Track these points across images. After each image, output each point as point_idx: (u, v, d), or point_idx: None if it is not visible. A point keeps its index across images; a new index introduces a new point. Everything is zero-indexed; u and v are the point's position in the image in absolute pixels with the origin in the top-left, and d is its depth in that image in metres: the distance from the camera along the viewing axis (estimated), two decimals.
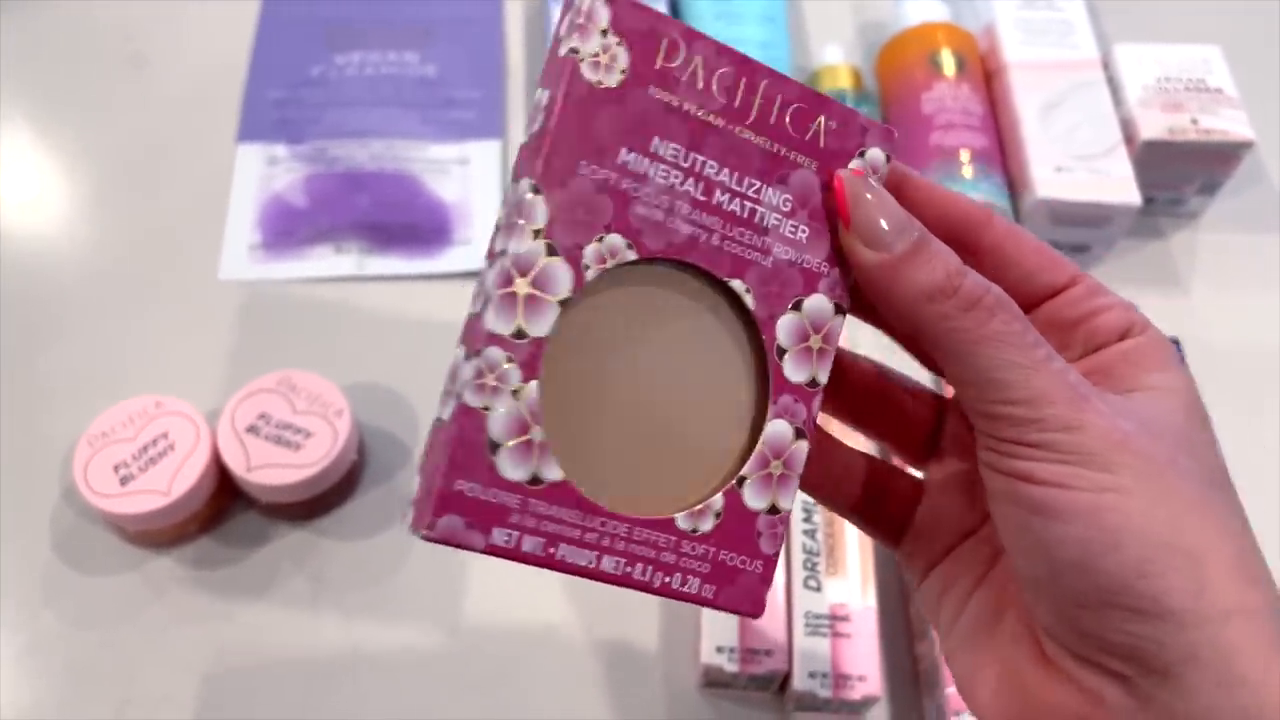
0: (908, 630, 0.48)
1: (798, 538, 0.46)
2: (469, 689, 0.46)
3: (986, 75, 0.61)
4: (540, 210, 0.23)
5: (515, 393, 0.24)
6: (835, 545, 0.46)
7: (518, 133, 0.62)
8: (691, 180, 0.25)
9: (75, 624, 0.47)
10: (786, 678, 0.44)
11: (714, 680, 0.45)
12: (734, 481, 0.26)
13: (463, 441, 0.23)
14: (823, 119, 0.26)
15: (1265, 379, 0.56)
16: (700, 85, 0.25)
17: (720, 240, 0.25)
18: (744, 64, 0.25)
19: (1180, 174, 0.59)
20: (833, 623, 0.44)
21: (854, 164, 0.26)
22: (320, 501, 0.48)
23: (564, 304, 0.24)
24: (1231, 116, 0.58)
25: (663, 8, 0.62)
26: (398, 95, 0.63)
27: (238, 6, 0.66)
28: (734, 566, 0.26)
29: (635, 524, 0.25)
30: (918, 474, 0.31)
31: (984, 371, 0.24)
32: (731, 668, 0.44)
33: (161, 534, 0.47)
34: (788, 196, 0.26)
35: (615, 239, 0.24)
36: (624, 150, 0.24)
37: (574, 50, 0.24)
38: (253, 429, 0.47)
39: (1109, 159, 0.56)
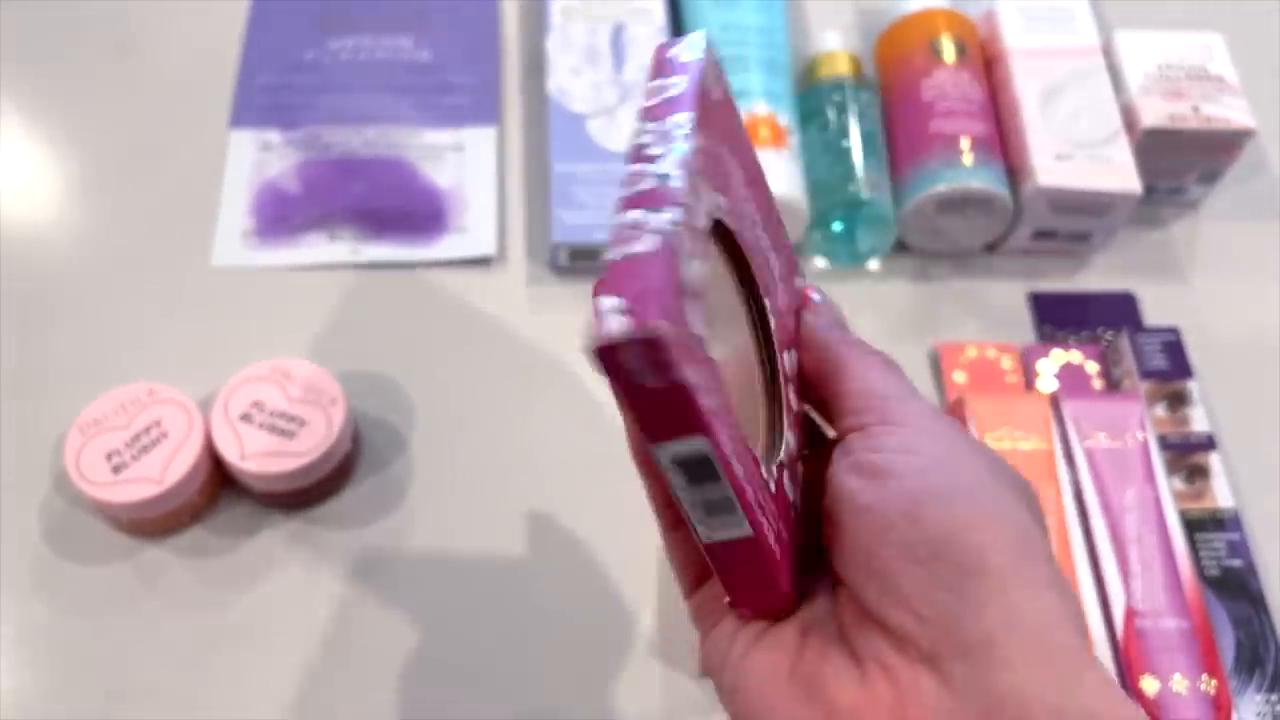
0: None
1: None
2: (464, 679, 0.46)
3: (987, 62, 0.60)
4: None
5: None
6: None
7: (513, 118, 0.62)
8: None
9: (66, 613, 0.46)
10: None
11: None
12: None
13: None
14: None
15: (1266, 368, 0.56)
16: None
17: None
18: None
19: (1181, 162, 0.58)
20: None
21: None
22: (314, 491, 0.48)
23: None
24: (1233, 104, 0.57)
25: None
26: (392, 80, 0.62)
27: None
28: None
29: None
30: None
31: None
32: None
33: (154, 523, 0.47)
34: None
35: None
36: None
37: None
38: (246, 417, 0.47)
39: (1110, 146, 0.56)
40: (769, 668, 0.27)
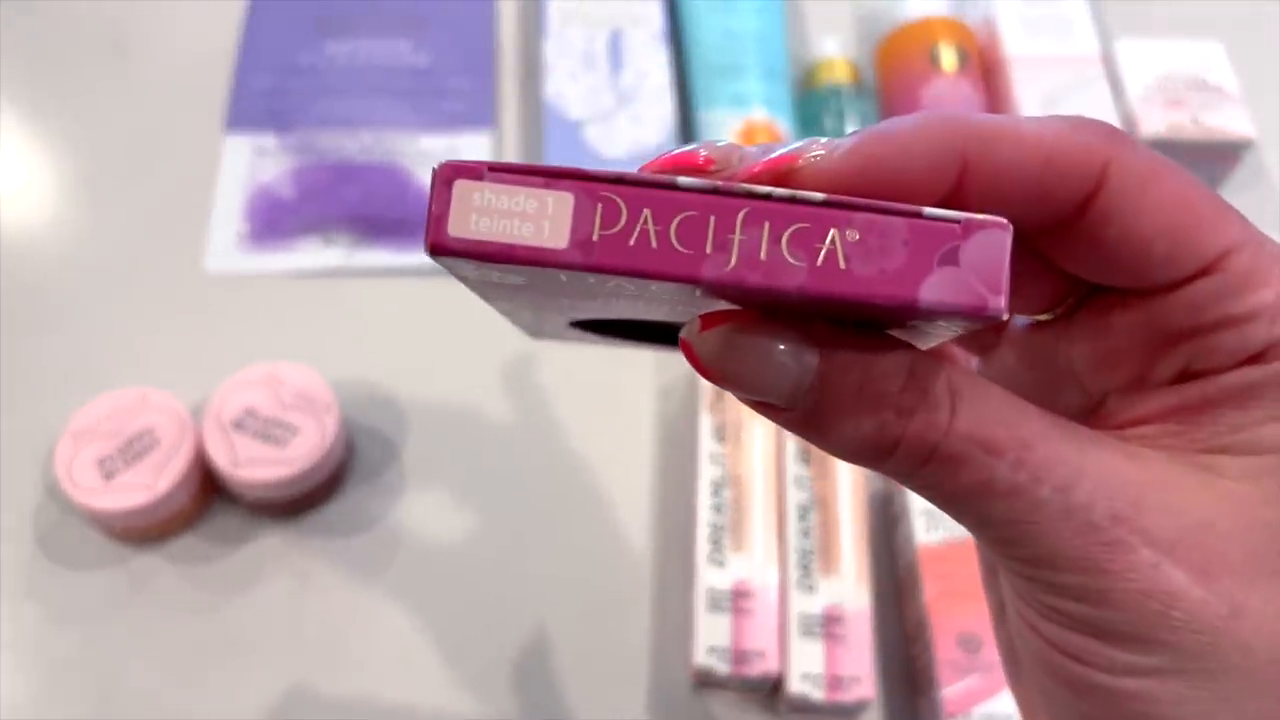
0: (902, 631, 0.47)
1: (791, 538, 0.46)
2: (456, 690, 0.46)
3: (986, 70, 0.60)
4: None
5: None
6: (830, 545, 0.45)
7: (509, 123, 0.61)
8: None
9: (58, 620, 0.46)
10: (779, 680, 0.44)
11: (706, 682, 0.45)
12: None
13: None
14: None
15: None
16: (623, 285, 0.18)
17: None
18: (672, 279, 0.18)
19: None
20: (826, 624, 0.44)
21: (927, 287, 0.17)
22: (306, 499, 0.48)
23: None
24: (1232, 114, 0.57)
25: (659, 5, 0.61)
26: (388, 85, 0.62)
27: None
28: None
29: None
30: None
31: (977, 527, 0.19)
32: (723, 669, 0.43)
33: (146, 530, 0.47)
34: None
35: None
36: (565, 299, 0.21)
37: (457, 275, 0.19)
38: (239, 424, 0.47)
39: None
40: None
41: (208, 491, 0.48)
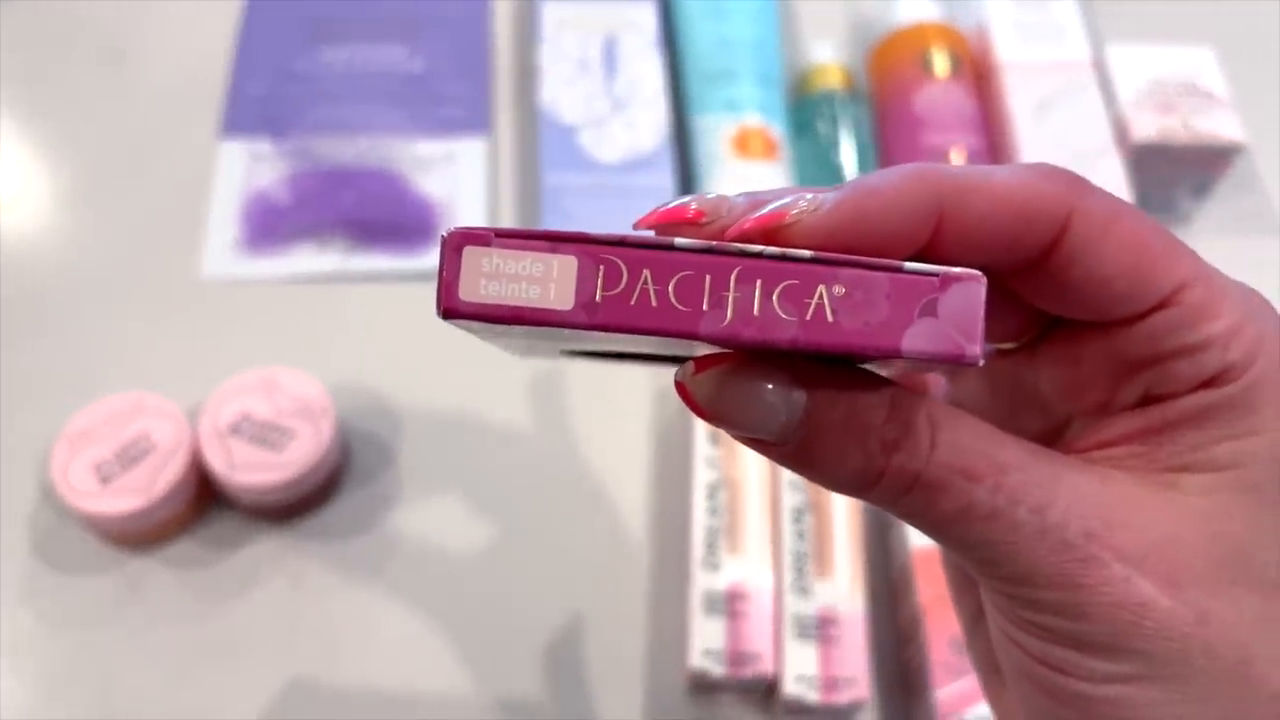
0: (897, 633, 0.47)
1: (786, 540, 0.46)
2: (451, 693, 0.46)
3: (979, 75, 0.61)
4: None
5: None
6: (824, 547, 0.46)
7: (505, 129, 0.62)
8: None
9: (54, 625, 0.46)
10: (774, 682, 0.44)
11: (701, 684, 0.45)
12: None
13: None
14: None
15: None
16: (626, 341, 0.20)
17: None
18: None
19: (1172, 176, 0.58)
20: (821, 626, 0.44)
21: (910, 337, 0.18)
22: (302, 503, 0.48)
23: None
24: (1223, 119, 0.57)
25: (653, 11, 0.62)
26: (384, 91, 0.62)
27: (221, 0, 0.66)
28: None
29: None
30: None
31: (957, 548, 0.20)
32: (719, 672, 0.43)
33: (141, 534, 0.47)
34: None
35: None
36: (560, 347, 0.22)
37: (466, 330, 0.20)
38: (235, 429, 0.47)
39: (1101, 160, 0.56)
40: None
41: (204, 496, 0.48)
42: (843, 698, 0.42)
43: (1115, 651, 0.19)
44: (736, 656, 0.43)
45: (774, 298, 0.18)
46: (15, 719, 0.44)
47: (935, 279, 0.18)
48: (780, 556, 0.45)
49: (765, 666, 0.43)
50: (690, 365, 0.20)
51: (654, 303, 0.18)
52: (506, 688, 0.46)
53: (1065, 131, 0.57)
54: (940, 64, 0.59)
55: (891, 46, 0.61)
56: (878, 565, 0.48)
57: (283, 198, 0.58)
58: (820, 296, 0.18)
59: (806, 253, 0.18)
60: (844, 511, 0.47)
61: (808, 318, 0.18)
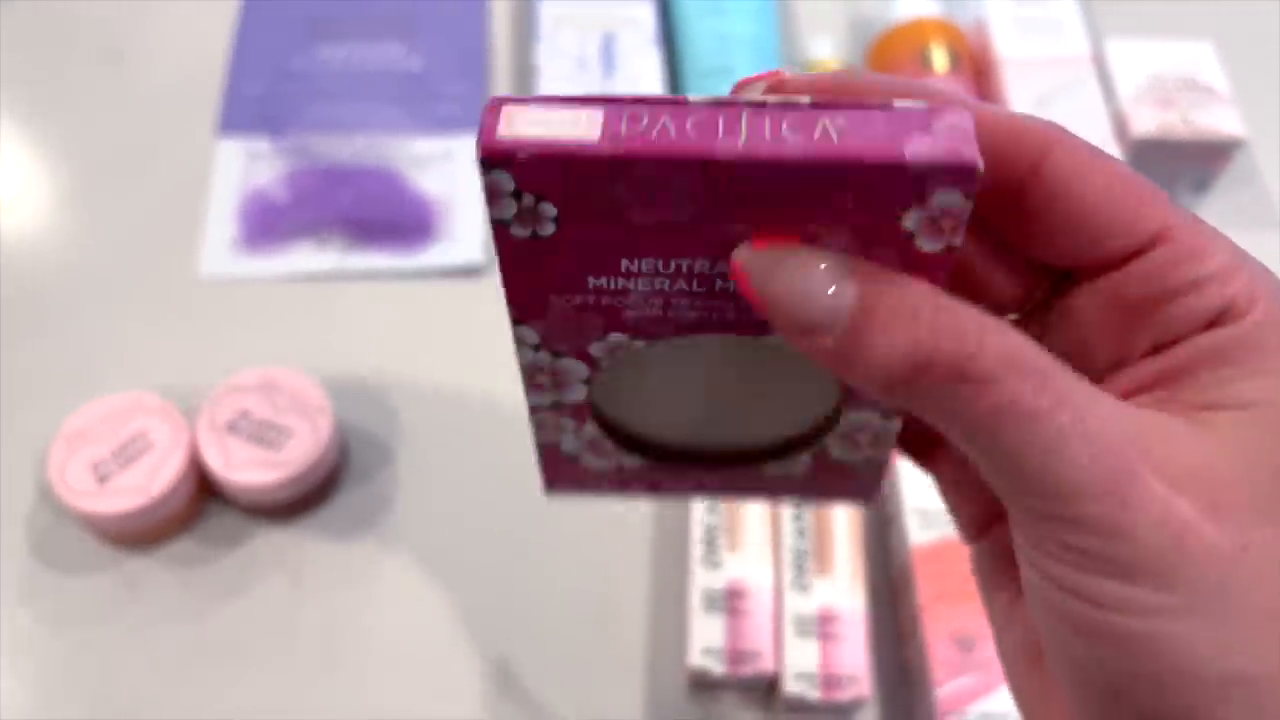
0: (897, 631, 0.47)
1: (785, 538, 0.46)
2: (451, 691, 0.46)
3: (978, 71, 0.60)
4: (529, 333, 0.24)
5: (576, 432, 0.27)
6: (824, 545, 0.45)
7: None
8: (682, 281, 0.22)
9: (52, 624, 0.46)
10: (775, 680, 0.44)
11: (701, 683, 0.45)
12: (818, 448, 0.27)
13: (549, 460, 0.28)
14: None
15: None
16: (655, 201, 0.20)
17: (737, 314, 0.23)
18: (700, 165, 0.20)
19: (1172, 171, 0.58)
20: (821, 623, 0.44)
21: (908, 219, 0.20)
22: (301, 502, 0.48)
23: (588, 380, 0.25)
24: (1222, 113, 0.57)
25: (651, 8, 0.62)
26: (381, 89, 0.62)
27: None
28: (835, 482, 0.27)
29: (725, 469, 0.28)
30: None
31: (997, 457, 0.19)
32: (719, 670, 0.43)
33: (139, 533, 0.47)
34: None
35: (616, 337, 0.24)
36: (590, 278, 0.22)
37: (498, 219, 0.21)
38: (233, 427, 0.47)
39: None
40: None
41: (202, 495, 0.48)
42: (843, 695, 0.42)
43: (1155, 577, 0.18)
44: (737, 654, 0.43)
45: (783, 126, 0.19)
46: (14, 719, 0.44)
47: (925, 109, 0.19)
48: (780, 554, 0.45)
49: (766, 664, 0.43)
50: (748, 243, 0.20)
51: (672, 134, 0.19)
52: (506, 685, 0.46)
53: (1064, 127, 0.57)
54: (939, 59, 0.58)
55: (890, 42, 0.61)
56: (877, 562, 0.48)
57: (280, 196, 0.58)
58: (824, 126, 0.19)
59: (806, 99, 0.20)
60: (844, 509, 0.46)
61: (815, 137, 0.19)
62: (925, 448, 0.27)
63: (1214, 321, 0.20)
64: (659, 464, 0.28)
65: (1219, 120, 0.57)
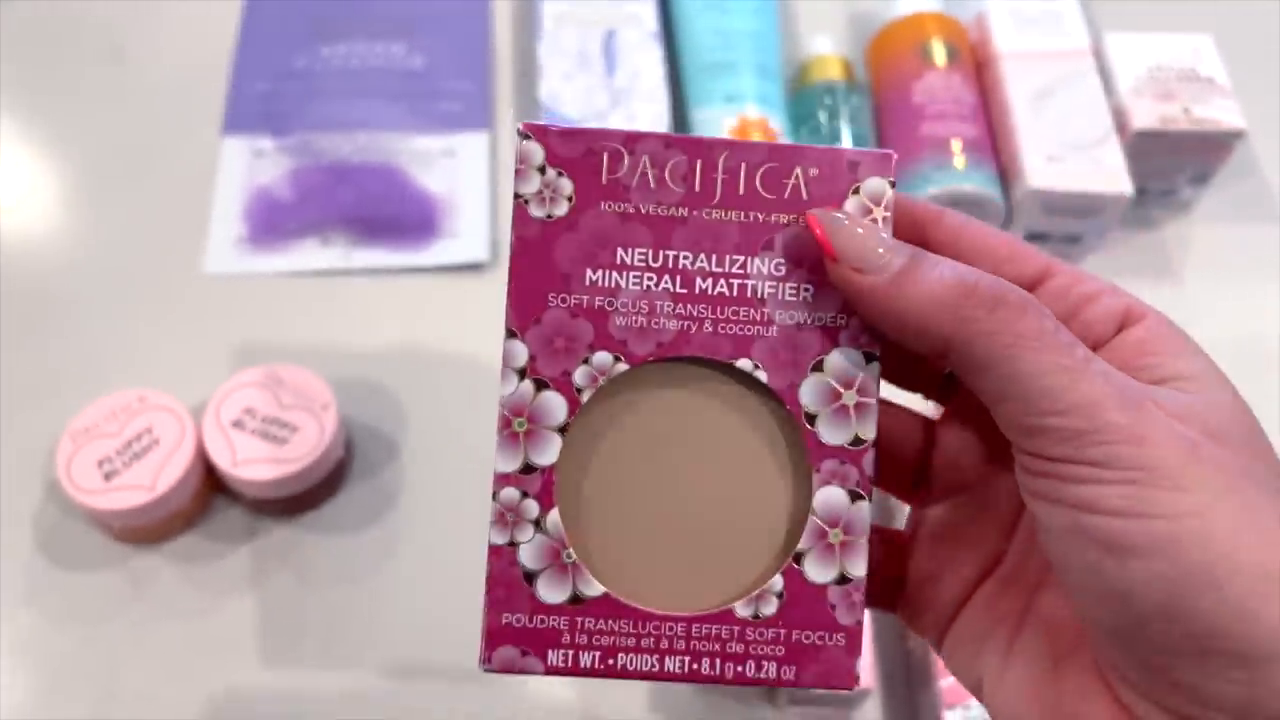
0: (900, 623, 0.47)
1: None
2: (455, 686, 0.46)
3: (978, 65, 0.60)
4: (519, 351, 0.25)
5: (537, 523, 0.26)
6: None
7: (506, 125, 0.62)
8: (667, 277, 0.25)
9: (58, 620, 0.46)
10: None
11: None
12: (791, 559, 0.25)
13: (499, 578, 0.27)
14: (799, 170, 0.25)
15: (1260, 371, 0.56)
16: (653, 183, 0.25)
17: (714, 325, 0.25)
18: (695, 146, 0.25)
19: (1172, 164, 0.58)
20: None
21: (848, 204, 0.25)
22: (306, 497, 0.48)
23: (564, 429, 0.25)
24: (1223, 106, 0.57)
25: (652, 4, 0.62)
26: (384, 87, 0.62)
27: None
28: (812, 644, 0.25)
29: (692, 621, 0.25)
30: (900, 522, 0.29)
31: (1023, 379, 0.21)
32: None
33: (146, 530, 0.47)
34: (779, 260, 0.25)
35: (601, 356, 0.25)
36: (589, 271, 0.25)
37: (519, 195, 0.25)
38: (238, 424, 0.47)
39: (1101, 148, 0.56)
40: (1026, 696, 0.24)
41: (207, 491, 0.48)
42: None
43: (1176, 479, 0.20)
44: None
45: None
46: (21, 715, 0.44)
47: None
48: None
49: None
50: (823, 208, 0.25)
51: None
52: (509, 682, 0.46)
53: (1064, 120, 0.57)
54: (939, 54, 0.59)
55: (890, 37, 0.61)
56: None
57: (284, 194, 0.58)
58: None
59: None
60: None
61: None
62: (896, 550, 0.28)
63: (1121, 325, 0.24)
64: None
65: (1220, 112, 0.57)
